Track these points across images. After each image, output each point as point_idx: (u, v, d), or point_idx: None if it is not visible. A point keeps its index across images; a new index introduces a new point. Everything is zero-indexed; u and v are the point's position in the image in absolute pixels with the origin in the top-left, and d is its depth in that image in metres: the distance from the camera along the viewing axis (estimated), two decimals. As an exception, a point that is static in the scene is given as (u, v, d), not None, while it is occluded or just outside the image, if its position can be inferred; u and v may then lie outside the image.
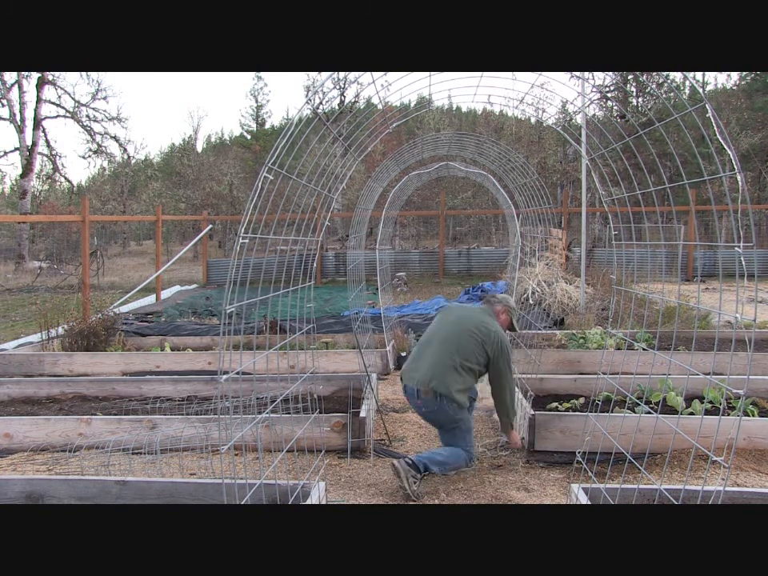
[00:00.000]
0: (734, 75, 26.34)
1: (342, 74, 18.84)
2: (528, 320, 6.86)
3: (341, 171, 3.92)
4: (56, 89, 21.90)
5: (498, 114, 28.29)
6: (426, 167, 8.00)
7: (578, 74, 4.88)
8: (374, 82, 3.24)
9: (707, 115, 2.16)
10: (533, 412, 3.95)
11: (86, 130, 23.34)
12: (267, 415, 3.12)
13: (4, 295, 14.19)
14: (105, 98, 25.72)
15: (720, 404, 4.37)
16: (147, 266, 22.36)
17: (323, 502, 2.86)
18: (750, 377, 4.54)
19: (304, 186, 3.03)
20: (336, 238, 22.36)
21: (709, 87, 28.35)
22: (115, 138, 24.00)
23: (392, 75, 2.97)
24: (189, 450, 3.88)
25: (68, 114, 22.66)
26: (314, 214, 3.43)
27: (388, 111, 4.88)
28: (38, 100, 21.40)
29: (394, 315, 8.23)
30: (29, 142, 21.52)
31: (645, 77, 17.47)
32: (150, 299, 12.44)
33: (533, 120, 24.00)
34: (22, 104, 22.17)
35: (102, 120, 23.28)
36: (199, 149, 37.48)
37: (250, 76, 44.35)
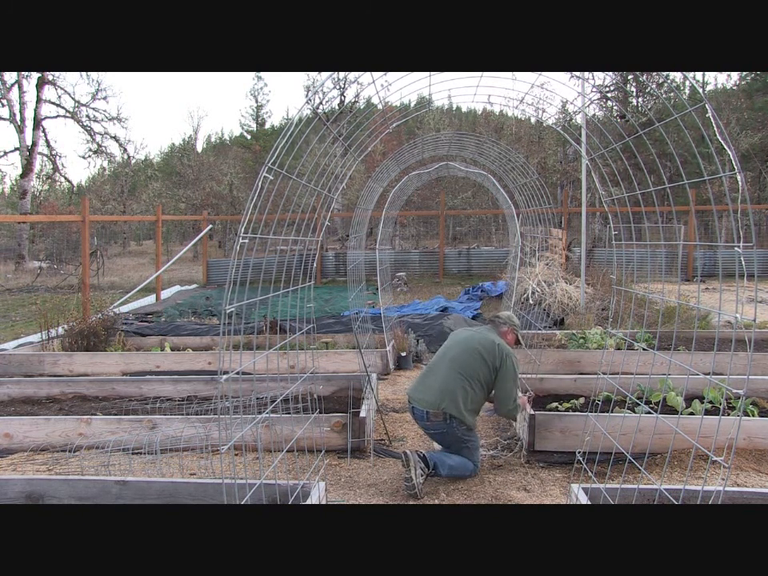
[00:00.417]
0: (734, 75, 26.36)
1: (342, 74, 18.86)
2: (528, 320, 6.86)
3: (341, 171, 3.92)
4: (56, 89, 21.92)
5: (498, 114, 28.28)
6: (426, 167, 8.00)
7: (577, 73, 4.89)
8: (374, 82, 3.24)
9: (707, 115, 2.16)
10: (533, 412, 3.95)
11: (86, 130, 23.33)
12: (267, 415, 3.12)
13: (4, 295, 14.19)
14: (105, 98, 25.76)
15: (720, 404, 4.37)
16: (147, 266, 22.36)
17: (323, 502, 2.86)
18: (750, 377, 4.54)
19: (304, 186, 3.03)
20: (336, 237, 22.36)
21: (709, 87, 28.36)
22: (115, 138, 24.00)
23: (392, 75, 2.97)
24: (189, 450, 3.88)
25: (68, 114, 22.65)
26: (314, 214, 3.43)
27: (388, 111, 4.87)
28: (38, 100, 21.40)
29: (394, 315, 8.23)
30: (29, 142, 21.51)
31: (645, 77, 17.47)
32: (150, 299, 12.44)
33: (533, 120, 24.01)
34: (22, 104, 22.17)
35: (102, 120, 23.29)
36: (199, 149, 37.49)
37: (250, 76, 44.42)
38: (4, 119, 22.14)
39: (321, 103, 9.29)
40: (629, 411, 3.87)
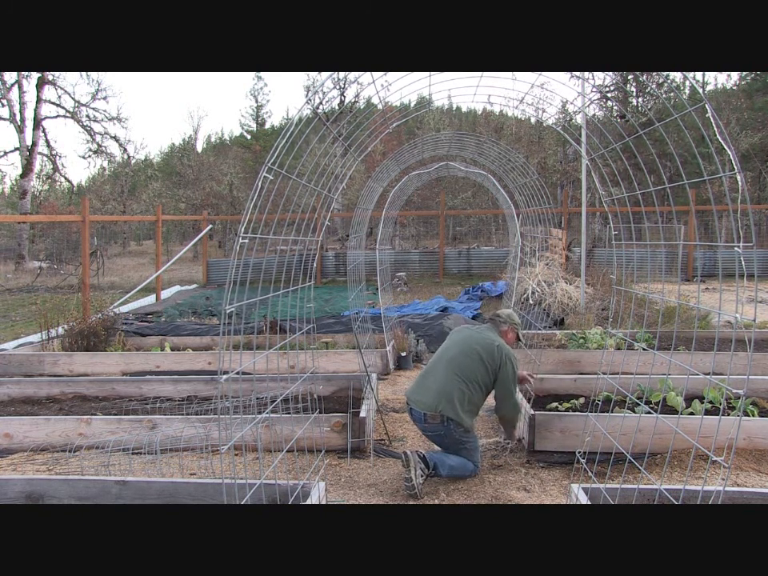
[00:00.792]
0: (734, 75, 26.36)
1: (342, 74, 18.85)
2: (528, 320, 6.86)
3: (341, 171, 3.92)
4: (56, 89, 21.92)
5: (497, 114, 28.26)
6: (426, 167, 8.00)
7: (578, 73, 4.89)
8: (374, 82, 3.24)
9: (707, 115, 2.16)
10: (533, 412, 3.95)
11: (86, 130, 23.34)
12: (267, 415, 3.12)
13: (4, 295, 14.19)
14: (105, 98, 25.77)
15: (720, 404, 4.37)
16: (147, 265, 22.36)
17: (323, 502, 2.86)
18: (750, 377, 4.54)
19: (304, 186, 3.03)
20: (336, 237, 22.36)
21: (709, 87, 28.36)
22: (115, 138, 24.00)
23: (392, 75, 2.98)
24: (189, 450, 3.88)
25: (68, 114, 22.65)
26: (314, 214, 3.43)
27: (388, 111, 4.88)
28: (38, 100, 21.40)
29: (394, 315, 8.23)
30: (29, 142, 21.52)
31: (645, 77, 17.47)
32: (150, 299, 12.44)
33: (533, 120, 24.01)
34: (22, 104, 22.17)
35: (102, 120, 23.29)
36: (199, 149, 37.49)
37: (250, 76, 44.44)
38: (4, 119, 22.15)
39: (321, 103, 9.29)
40: (629, 411, 3.87)
